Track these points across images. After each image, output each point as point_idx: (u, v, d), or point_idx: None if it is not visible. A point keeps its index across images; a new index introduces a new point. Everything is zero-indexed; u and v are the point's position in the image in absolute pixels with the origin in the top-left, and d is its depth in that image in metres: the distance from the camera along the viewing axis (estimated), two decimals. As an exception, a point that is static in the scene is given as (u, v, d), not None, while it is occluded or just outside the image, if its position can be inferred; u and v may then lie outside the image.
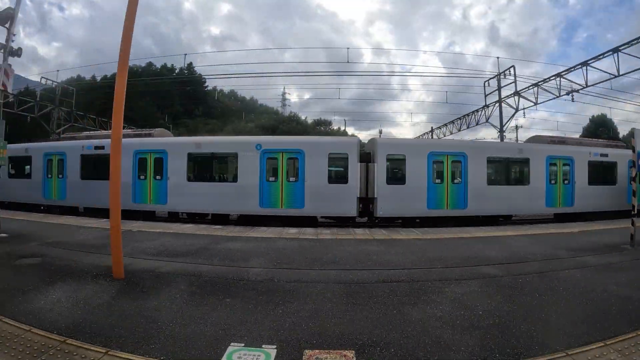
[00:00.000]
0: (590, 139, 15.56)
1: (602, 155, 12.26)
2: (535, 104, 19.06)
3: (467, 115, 24.38)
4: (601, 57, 14.84)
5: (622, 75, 14.30)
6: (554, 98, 17.86)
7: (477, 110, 23.26)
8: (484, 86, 22.21)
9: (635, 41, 13.36)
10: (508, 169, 11.75)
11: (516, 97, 19.72)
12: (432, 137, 29.28)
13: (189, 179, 10.99)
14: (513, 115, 20.44)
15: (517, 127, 32.38)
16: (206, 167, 11.65)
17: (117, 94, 4.37)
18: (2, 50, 7.29)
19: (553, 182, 11.52)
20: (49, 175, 12.31)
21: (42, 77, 21.97)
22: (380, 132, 41.14)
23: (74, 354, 2.60)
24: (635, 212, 6.46)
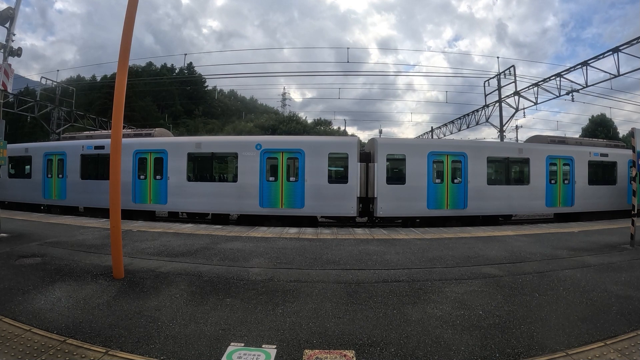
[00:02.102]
0: (590, 139, 15.56)
1: (602, 155, 12.26)
2: (535, 103, 19.06)
3: (467, 115, 24.39)
4: (601, 57, 14.85)
5: (622, 75, 14.31)
6: (554, 98, 17.88)
7: (477, 110, 23.28)
8: (484, 86, 22.23)
9: (635, 41, 13.36)
10: (508, 169, 11.75)
11: (516, 97, 19.73)
12: (432, 137, 29.30)
13: (189, 179, 11.00)
14: (513, 115, 20.45)
15: (517, 127, 32.42)
16: (206, 167, 11.66)
17: (117, 93, 4.36)
18: (2, 50, 7.28)
19: (553, 181, 11.53)
20: (49, 175, 12.32)
21: (42, 77, 21.99)
22: (380, 131, 41.12)
23: (74, 353, 2.60)
24: (635, 212, 6.46)
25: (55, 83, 22.34)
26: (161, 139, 12.10)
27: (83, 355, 2.58)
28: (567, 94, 17.16)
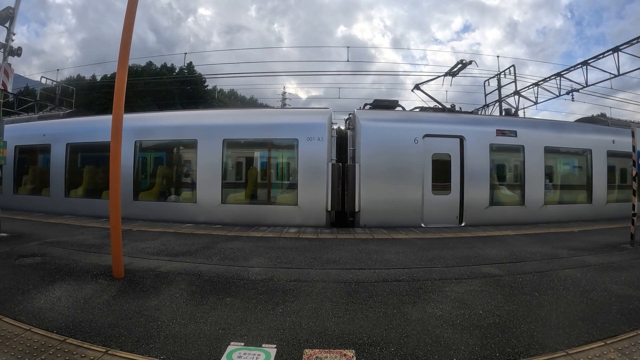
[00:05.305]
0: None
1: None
2: (535, 103, 19.04)
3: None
4: (601, 56, 14.82)
5: (622, 74, 14.29)
6: (554, 98, 17.86)
7: (477, 110, 23.26)
8: (484, 85, 22.22)
9: (635, 41, 13.35)
10: None
11: (516, 97, 19.72)
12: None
13: None
14: (513, 114, 20.40)
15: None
16: None
17: (117, 91, 4.35)
18: (2, 50, 7.27)
19: None
20: None
21: (42, 77, 21.95)
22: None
23: (74, 353, 2.60)
24: (636, 211, 6.46)
25: (55, 82, 22.32)
26: None
27: (83, 355, 2.58)
28: (567, 93, 17.15)
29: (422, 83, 12.31)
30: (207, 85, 56.00)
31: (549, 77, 17.91)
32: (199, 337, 2.88)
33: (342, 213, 9.23)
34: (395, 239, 7.21)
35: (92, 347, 2.68)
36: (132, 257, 5.25)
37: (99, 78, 46.05)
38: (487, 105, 22.25)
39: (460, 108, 12.80)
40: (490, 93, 22.17)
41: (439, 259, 5.51)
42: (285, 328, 3.06)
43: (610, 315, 3.36)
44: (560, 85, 17.13)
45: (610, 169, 10.92)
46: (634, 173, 6.67)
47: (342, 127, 10.30)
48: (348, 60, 21.79)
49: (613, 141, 10.74)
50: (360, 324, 3.15)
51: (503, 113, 18.21)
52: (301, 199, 8.92)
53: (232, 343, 2.78)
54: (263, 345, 2.74)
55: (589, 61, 15.33)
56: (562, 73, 16.95)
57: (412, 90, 12.44)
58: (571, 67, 16.59)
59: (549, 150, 10.11)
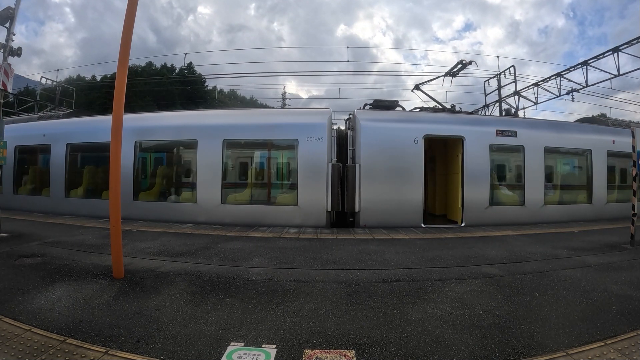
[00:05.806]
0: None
1: None
2: (535, 103, 19.04)
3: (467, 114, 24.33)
4: (601, 56, 14.83)
5: (621, 75, 14.29)
6: (554, 98, 17.87)
7: (477, 110, 23.26)
8: (484, 85, 22.22)
9: (635, 41, 13.35)
10: None
11: (516, 97, 19.72)
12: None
13: None
14: (513, 114, 20.40)
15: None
16: None
17: (117, 91, 4.35)
18: (2, 50, 7.27)
19: None
20: None
21: (42, 77, 21.94)
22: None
23: (74, 353, 2.60)
24: (636, 211, 6.46)
25: (55, 82, 22.31)
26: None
27: (83, 355, 2.58)
28: (567, 93, 17.16)
29: (422, 83, 12.35)
30: (207, 86, 55.99)
31: (549, 77, 17.92)
32: (199, 337, 2.88)
33: (342, 213, 9.23)
34: (395, 239, 7.21)
35: (92, 348, 2.69)
36: (132, 258, 5.25)
37: (99, 78, 46.03)
38: (487, 106, 22.26)
39: (460, 108, 12.83)
40: (490, 93, 22.18)
41: (439, 259, 5.51)
42: (285, 328, 3.06)
43: (610, 315, 3.36)
44: (560, 85, 17.15)
45: (610, 169, 10.98)
46: (634, 173, 6.67)
47: (342, 127, 10.32)
48: (348, 60, 21.73)
49: (613, 141, 10.78)
50: (360, 324, 3.15)
51: (503, 113, 18.20)
52: (301, 199, 8.92)
53: (232, 343, 2.78)
54: (263, 346, 2.74)
55: (589, 61, 15.33)
56: (562, 73, 16.96)
57: (412, 91, 12.47)
58: (571, 67, 16.59)
59: (549, 151, 10.15)
